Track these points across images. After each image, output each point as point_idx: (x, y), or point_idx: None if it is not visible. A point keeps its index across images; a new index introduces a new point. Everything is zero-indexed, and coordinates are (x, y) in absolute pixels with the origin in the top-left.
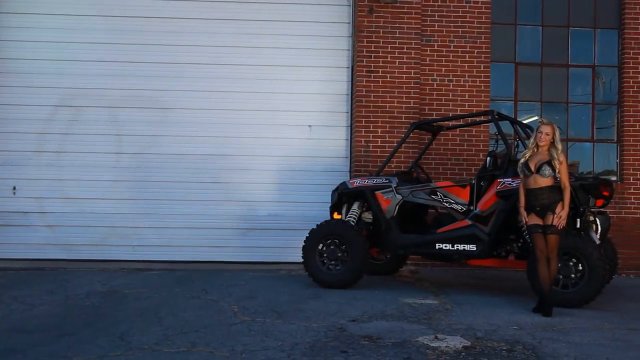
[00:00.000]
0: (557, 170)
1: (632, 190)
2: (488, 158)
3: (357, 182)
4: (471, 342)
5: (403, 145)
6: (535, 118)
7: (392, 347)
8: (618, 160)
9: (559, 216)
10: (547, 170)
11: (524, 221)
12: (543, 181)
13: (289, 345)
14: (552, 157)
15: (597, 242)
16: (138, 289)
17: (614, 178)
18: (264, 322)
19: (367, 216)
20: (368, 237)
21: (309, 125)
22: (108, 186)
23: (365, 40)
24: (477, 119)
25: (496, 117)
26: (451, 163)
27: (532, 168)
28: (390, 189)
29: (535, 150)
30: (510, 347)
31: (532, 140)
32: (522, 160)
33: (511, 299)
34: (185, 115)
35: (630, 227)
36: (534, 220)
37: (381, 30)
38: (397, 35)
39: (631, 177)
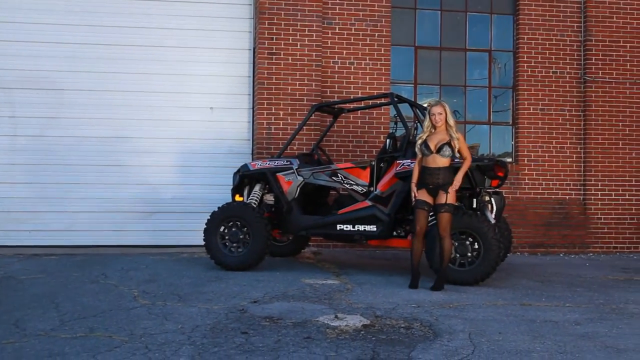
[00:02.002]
0: (456, 150)
1: (526, 172)
2: (388, 140)
3: (259, 164)
4: (370, 320)
5: (305, 127)
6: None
7: (293, 327)
8: (513, 142)
9: (454, 186)
10: (447, 150)
11: (413, 196)
12: (442, 161)
13: (189, 327)
14: (452, 137)
15: (493, 221)
16: (35, 274)
17: (509, 160)
18: (164, 305)
19: (269, 198)
20: (270, 219)
21: (211, 108)
22: (3, 169)
23: (266, 22)
24: (377, 102)
25: (395, 99)
26: (353, 145)
27: (432, 148)
28: (292, 170)
29: (433, 131)
30: (409, 325)
31: (426, 122)
32: (419, 141)
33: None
34: (84, 97)
35: (525, 206)
36: (423, 196)
37: (283, 12)
38: (299, 17)
39: (525, 158)
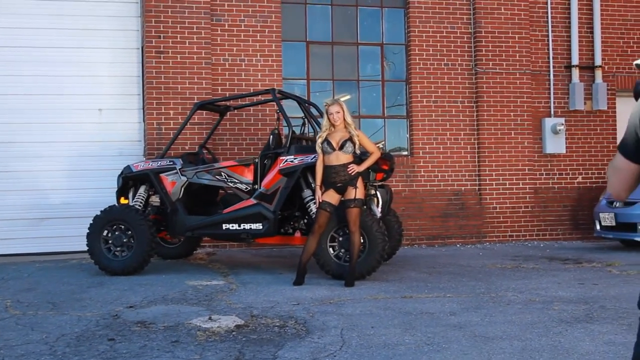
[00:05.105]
0: (357, 146)
1: (421, 164)
2: (271, 136)
3: (141, 166)
4: (245, 320)
5: (197, 126)
6: (349, 97)
7: (163, 331)
8: (408, 135)
9: (352, 169)
10: (350, 147)
11: (318, 199)
12: (345, 157)
13: (54, 337)
14: (352, 134)
15: (379, 214)
16: None
17: (405, 153)
18: (35, 314)
19: (155, 199)
20: (158, 221)
21: (99, 109)
22: None
23: (153, 20)
24: (260, 98)
25: (277, 95)
26: (246, 143)
27: (335, 145)
28: (175, 171)
29: (332, 129)
30: (283, 323)
31: (324, 121)
32: (320, 140)
33: None
34: None
35: (422, 199)
36: (329, 197)
37: (170, 9)
38: (187, 14)
39: (420, 151)
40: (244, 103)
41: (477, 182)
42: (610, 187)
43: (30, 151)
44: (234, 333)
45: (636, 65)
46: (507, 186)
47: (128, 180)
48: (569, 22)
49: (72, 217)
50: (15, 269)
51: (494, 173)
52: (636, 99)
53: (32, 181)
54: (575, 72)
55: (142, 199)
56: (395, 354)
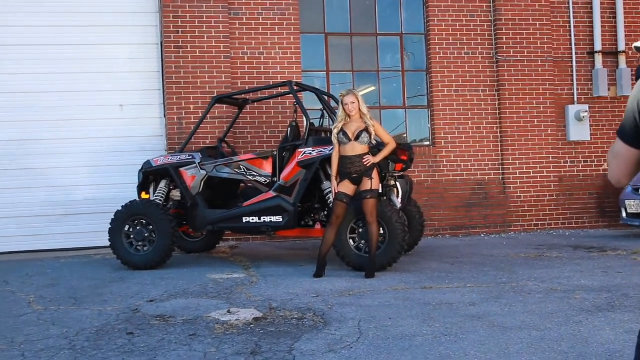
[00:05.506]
0: (372, 136)
1: (444, 154)
2: (289, 128)
3: (161, 160)
4: (264, 313)
5: (217, 120)
6: (373, 88)
7: (182, 324)
8: (430, 125)
9: (367, 160)
10: (365, 137)
11: (334, 190)
12: (360, 148)
13: (74, 331)
14: (367, 124)
15: (399, 205)
16: None
17: (427, 143)
18: (57, 310)
19: (176, 194)
20: (180, 215)
21: (121, 105)
22: None
23: (171, 15)
24: (278, 91)
25: (294, 87)
26: (267, 136)
27: (351, 136)
28: (194, 165)
29: (348, 120)
30: (302, 315)
31: (339, 112)
32: (336, 131)
33: None
34: None
35: (445, 189)
36: (344, 188)
37: (187, 4)
38: (204, 9)
39: (442, 140)
40: (262, 96)
41: (501, 171)
42: (610, 174)
43: (53, 148)
44: (252, 326)
45: (635, 48)
46: (531, 175)
47: (148, 175)
48: (591, 8)
49: (96, 212)
50: (40, 265)
51: (517, 162)
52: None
53: (56, 178)
54: (599, 58)
55: (162, 194)
56: (412, 345)
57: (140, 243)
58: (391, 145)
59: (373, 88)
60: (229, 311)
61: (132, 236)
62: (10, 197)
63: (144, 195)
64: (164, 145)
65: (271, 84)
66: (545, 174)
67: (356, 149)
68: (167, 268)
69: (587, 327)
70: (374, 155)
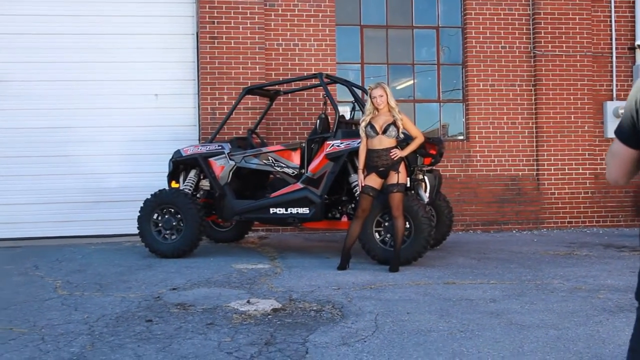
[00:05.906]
0: (400, 130)
1: (477, 149)
2: (318, 121)
3: (191, 150)
4: (283, 304)
5: (250, 111)
6: (411, 83)
7: (201, 313)
8: (464, 120)
9: (394, 154)
10: (393, 131)
11: (360, 183)
12: (388, 142)
13: (95, 317)
14: (395, 117)
15: (426, 200)
16: None
17: (461, 137)
18: (81, 295)
19: (205, 184)
20: (209, 205)
21: (155, 94)
22: None
23: (207, 5)
24: (308, 83)
25: (325, 80)
26: (300, 127)
27: (378, 129)
28: (223, 155)
29: (376, 113)
30: (320, 307)
31: (368, 105)
32: (364, 124)
33: None
34: (23, 87)
35: (477, 184)
36: (371, 181)
37: None
38: (240, 0)
39: (476, 135)
40: (295, 88)
41: (535, 168)
42: (608, 173)
43: (88, 136)
44: (269, 316)
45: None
46: (566, 171)
47: (178, 165)
48: (633, 2)
49: (128, 200)
50: (71, 250)
51: (552, 158)
52: None
53: (90, 165)
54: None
55: (192, 183)
56: (426, 340)
57: (168, 231)
58: (419, 139)
59: (411, 82)
60: (248, 301)
61: (160, 224)
62: (44, 184)
63: (173, 184)
64: (197, 135)
65: (305, 75)
66: (580, 171)
67: (383, 142)
68: (194, 257)
69: (607, 327)
70: (402, 148)
